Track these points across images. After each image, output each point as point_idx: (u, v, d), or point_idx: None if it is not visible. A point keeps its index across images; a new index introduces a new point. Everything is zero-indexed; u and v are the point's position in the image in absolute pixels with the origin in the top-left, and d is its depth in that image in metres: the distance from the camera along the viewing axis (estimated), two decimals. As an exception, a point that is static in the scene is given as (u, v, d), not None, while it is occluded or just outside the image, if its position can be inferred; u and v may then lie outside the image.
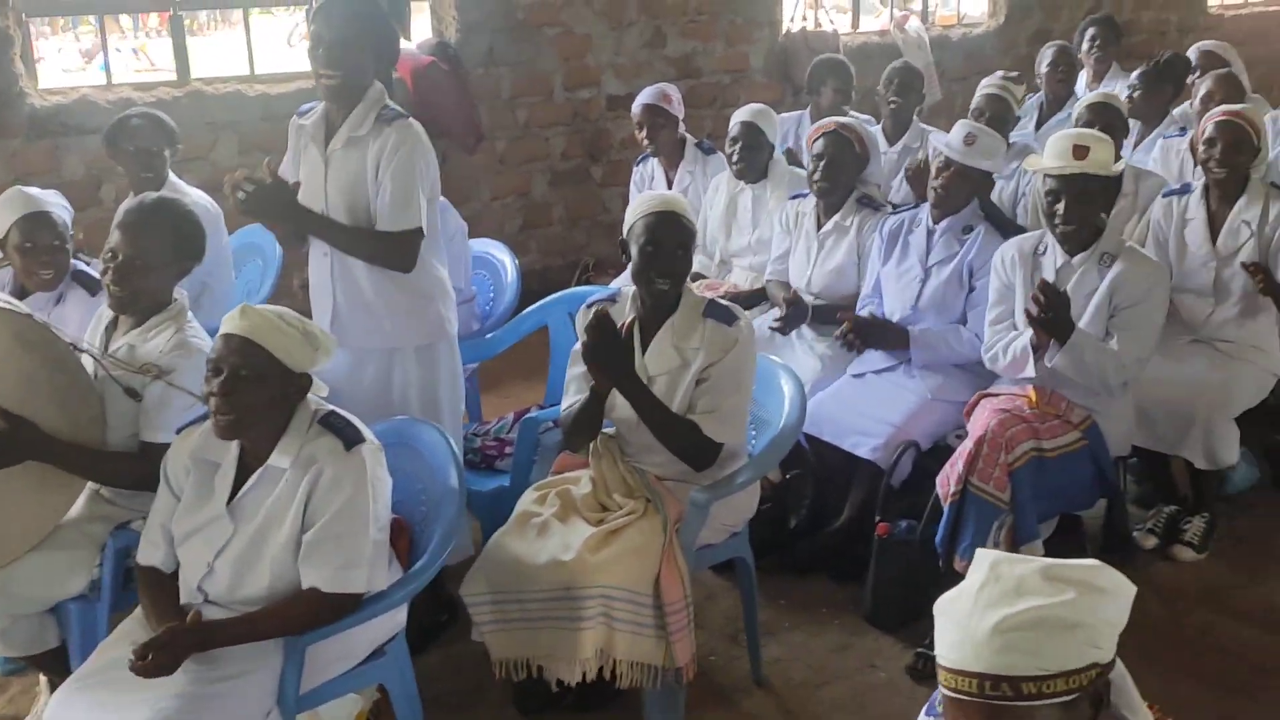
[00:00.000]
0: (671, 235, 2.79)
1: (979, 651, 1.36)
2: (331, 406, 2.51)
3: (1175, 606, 3.41)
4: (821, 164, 3.84)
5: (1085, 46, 5.75)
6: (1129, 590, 1.42)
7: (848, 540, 3.55)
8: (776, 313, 3.89)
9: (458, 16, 5.78)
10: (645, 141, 4.68)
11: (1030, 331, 3.19)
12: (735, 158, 4.26)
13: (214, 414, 2.38)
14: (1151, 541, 3.72)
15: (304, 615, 2.38)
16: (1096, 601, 1.38)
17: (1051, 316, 3.08)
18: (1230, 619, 3.38)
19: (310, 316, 2.75)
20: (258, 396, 2.36)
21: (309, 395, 2.47)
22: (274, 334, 2.36)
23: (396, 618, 2.59)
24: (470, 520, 3.30)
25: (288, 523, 2.40)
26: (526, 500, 2.94)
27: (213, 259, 3.42)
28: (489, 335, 3.98)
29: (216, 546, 2.44)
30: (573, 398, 2.92)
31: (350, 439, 2.43)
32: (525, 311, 3.96)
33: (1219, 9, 8.70)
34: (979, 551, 1.48)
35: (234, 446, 2.47)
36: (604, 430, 2.95)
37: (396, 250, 2.99)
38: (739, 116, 4.29)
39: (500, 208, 6.16)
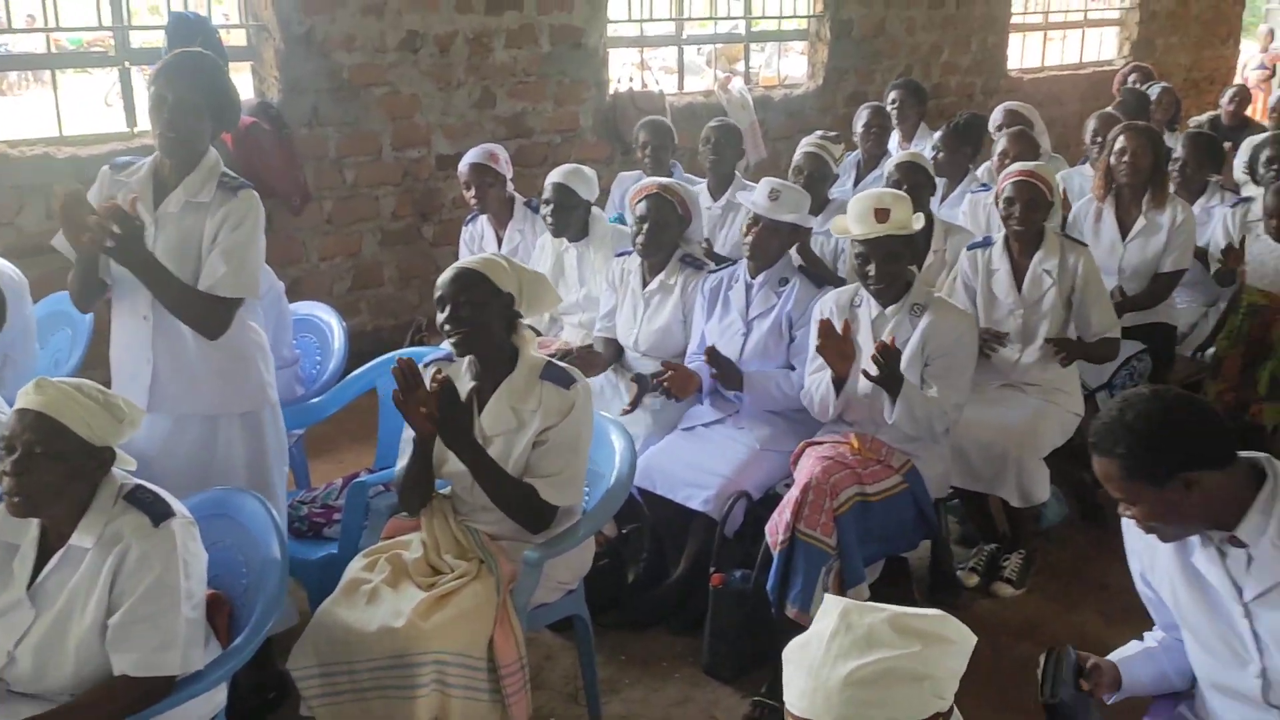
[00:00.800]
0: (457, 293, 2.77)
1: (829, 701, 1.39)
2: (138, 481, 2.41)
3: (998, 641, 3.52)
4: (645, 226, 3.91)
5: (890, 109, 6.06)
6: (971, 640, 1.47)
7: (685, 592, 3.57)
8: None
9: (280, 76, 5.68)
10: (473, 201, 4.67)
11: (829, 372, 3.36)
12: (549, 218, 4.32)
13: (6, 494, 2.25)
14: (974, 580, 3.87)
15: (114, 704, 2.25)
16: (943, 652, 1.43)
17: (888, 374, 3.24)
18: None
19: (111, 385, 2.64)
20: (54, 474, 2.25)
21: (114, 470, 2.36)
22: (71, 407, 2.26)
23: (215, 698, 2.47)
24: (298, 590, 3.19)
25: (92, 605, 2.28)
26: (355, 567, 2.86)
27: (15, 329, 3.26)
28: (315, 399, 3.88)
29: (17, 634, 2.30)
30: (406, 459, 2.87)
31: (158, 514, 2.32)
32: (353, 374, 3.87)
33: (1019, 73, 9.28)
34: (828, 599, 1.51)
35: (33, 526, 2.34)
36: (439, 490, 2.91)
37: (217, 315, 2.91)
38: (551, 178, 4.34)
39: (329, 268, 6.04)
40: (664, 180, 4.10)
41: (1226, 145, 5.62)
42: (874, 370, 3.24)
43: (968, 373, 3.45)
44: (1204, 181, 5.09)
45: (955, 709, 1.48)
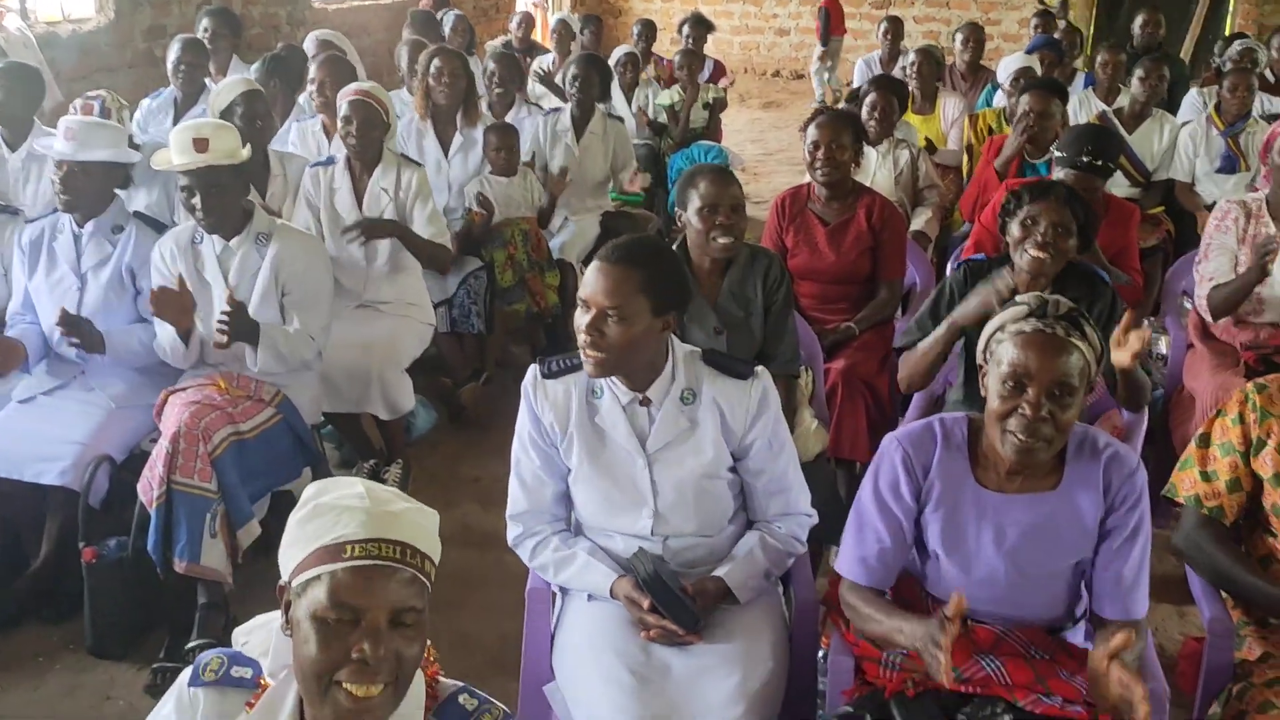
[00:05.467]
0: None
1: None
2: None
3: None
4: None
5: (204, 39, 5.74)
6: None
7: (54, 576, 3.24)
8: None
9: None
10: None
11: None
12: None
13: None
14: (357, 497, 3.96)
15: None
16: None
17: (240, 329, 3.18)
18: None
19: None
20: None
21: None
22: None
23: None
24: None
25: None
26: None
27: None
28: None
29: None
30: None
31: None
32: None
33: (323, 3, 9.31)
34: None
35: None
36: None
37: None
38: None
39: None
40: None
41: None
42: (224, 334, 3.20)
43: (325, 296, 3.48)
44: (512, 96, 5.58)
45: None
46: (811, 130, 3.89)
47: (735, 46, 13.67)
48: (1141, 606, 2.14)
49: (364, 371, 3.82)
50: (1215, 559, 2.37)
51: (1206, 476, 2.42)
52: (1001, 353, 2.11)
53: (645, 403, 2.37)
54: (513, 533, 2.48)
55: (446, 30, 6.87)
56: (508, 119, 5.40)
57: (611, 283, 2.24)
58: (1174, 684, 2.58)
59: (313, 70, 4.89)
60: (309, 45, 5.67)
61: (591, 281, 2.27)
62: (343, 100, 4.05)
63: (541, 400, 2.40)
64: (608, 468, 2.39)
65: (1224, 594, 2.45)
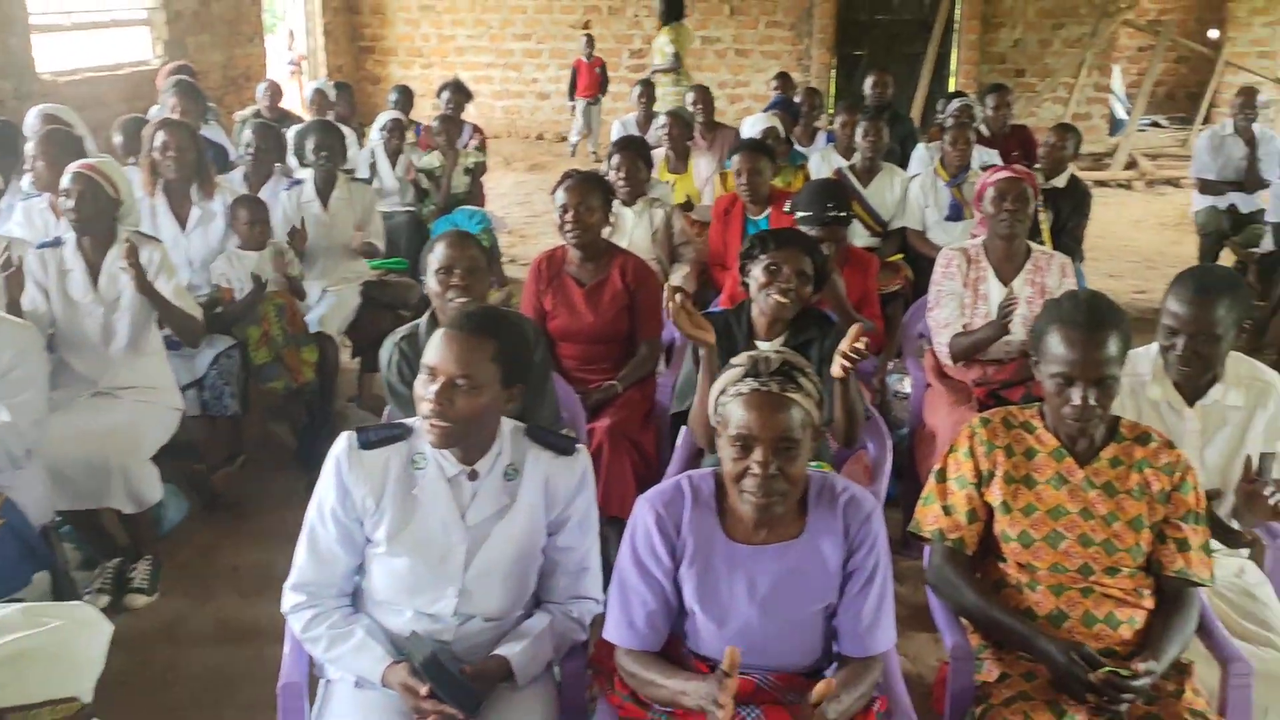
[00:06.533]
0: None
1: None
2: None
3: (140, 654, 3.43)
4: None
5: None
6: (108, 626, 1.46)
7: None
8: None
9: None
10: None
11: None
12: None
13: None
14: (104, 600, 3.68)
15: None
16: (77, 634, 1.37)
17: None
18: (191, 646, 3.53)
19: None
20: None
21: None
22: None
23: None
24: None
25: None
26: None
27: None
28: None
29: None
30: None
31: None
32: None
33: (52, 75, 8.80)
34: None
35: None
36: None
37: None
38: None
39: None
40: None
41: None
42: None
43: (39, 385, 3.22)
44: (270, 168, 5.44)
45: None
46: (560, 193, 3.94)
47: (498, 111, 13.78)
48: (881, 643, 2.22)
49: (102, 463, 3.58)
50: (960, 591, 2.49)
51: (947, 510, 2.55)
52: (727, 415, 2.17)
53: (473, 476, 2.33)
54: (291, 600, 2.37)
55: (170, 101, 6.42)
56: (265, 191, 5.24)
57: (463, 351, 2.21)
58: (931, 707, 2.70)
59: (31, 146, 4.60)
60: (30, 120, 5.32)
61: (440, 349, 2.22)
62: (65, 174, 3.83)
63: (356, 472, 2.31)
64: (420, 543, 2.31)
65: (966, 621, 2.58)
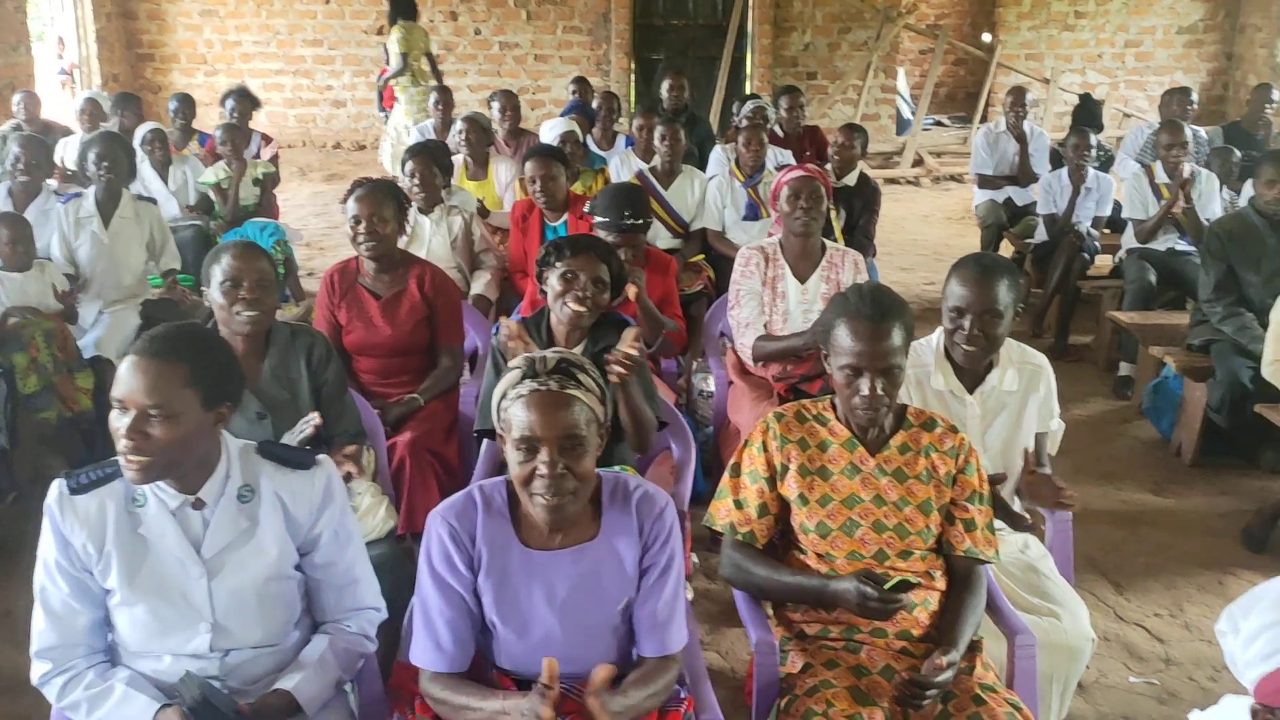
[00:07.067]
0: None
1: None
2: None
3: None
4: None
5: None
6: None
7: None
8: None
9: None
10: None
11: None
12: None
13: None
14: None
15: None
16: None
17: None
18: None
19: None
20: None
21: None
22: None
23: None
24: None
25: None
26: None
27: None
28: None
29: None
30: None
31: None
32: None
33: None
34: None
35: None
36: None
37: None
38: None
39: None
40: None
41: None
42: None
43: None
44: (39, 184, 5.20)
45: None
46: (351, 204, 3.81)
47: (291, 119, 13.30)
48: (676, 641, 2.22)
49: None
50: (752, 573, 2.52)
51: (739, 504, 2.57)
52: (510, 419, 2.13)
53: (199, 505, 2.17)
54: (39, 671, 2.17)
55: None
56: (32, 208, 4.89)
57: (151, 379, 2.03)
58: (743, 702, 2.72)
59: None
60: None
61: (127, 379, 2.03)
62: None
63: (70, 520, 2.12)
64: (155, 584, 2.15)
65: (769, 613, 2.61)
